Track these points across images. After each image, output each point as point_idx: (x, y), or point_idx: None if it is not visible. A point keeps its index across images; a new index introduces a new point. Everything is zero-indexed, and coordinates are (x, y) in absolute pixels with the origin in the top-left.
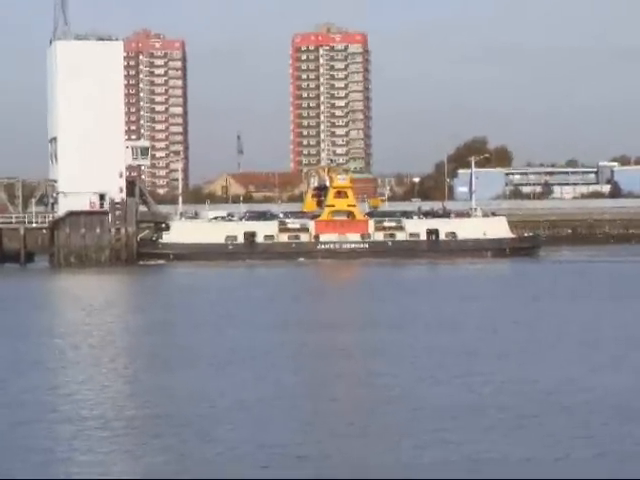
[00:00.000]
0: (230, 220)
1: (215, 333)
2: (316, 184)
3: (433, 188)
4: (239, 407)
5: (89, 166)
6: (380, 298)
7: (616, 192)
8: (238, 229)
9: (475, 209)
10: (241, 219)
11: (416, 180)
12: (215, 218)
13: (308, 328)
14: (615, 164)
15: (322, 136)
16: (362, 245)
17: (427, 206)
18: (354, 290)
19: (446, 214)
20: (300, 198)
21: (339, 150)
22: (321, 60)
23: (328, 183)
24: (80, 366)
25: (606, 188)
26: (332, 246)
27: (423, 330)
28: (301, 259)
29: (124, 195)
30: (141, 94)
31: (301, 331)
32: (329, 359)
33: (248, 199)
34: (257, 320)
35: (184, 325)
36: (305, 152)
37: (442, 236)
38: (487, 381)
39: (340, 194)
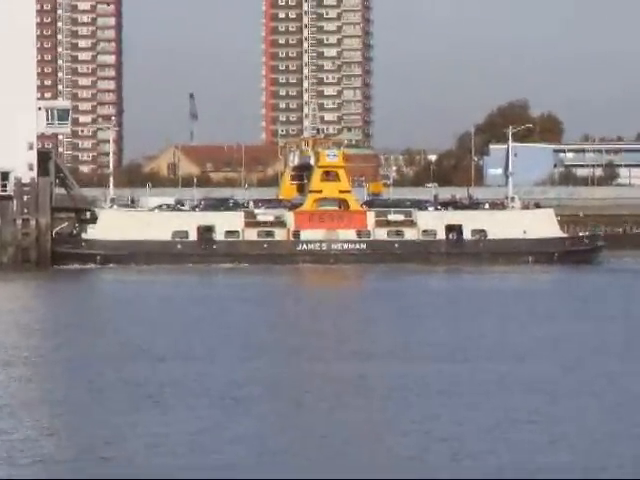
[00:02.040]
0: (179, 210)
1: (149, 370)
2: (296, 162)
3: (455, 169)
4: None
5: None
6: (395, 321)
7: None
8: (190, 222)
9: (512, 198)
10: (194, 209)
11: (432, 158)
12: (159, 207)
13: (294, 369)
14: None
15: (305, 97)
16: (358, 246)
17: (446, 193)
18: (359, 307)
19: (473, 205)
20: (274, 181)
21: (328, 116)
22: None
23: (313, 161)
24: None
25: None
26: (317, 247)
27: (489, 360)
28: (275, 264)
29: (35, 174)
30: (59, 37)
31: (293, 385)
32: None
33: (204, 181)
34: (217, 357)
35: (110, 358)
36: (281, 118)
37: (467, 235)
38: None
39: (329, 176)
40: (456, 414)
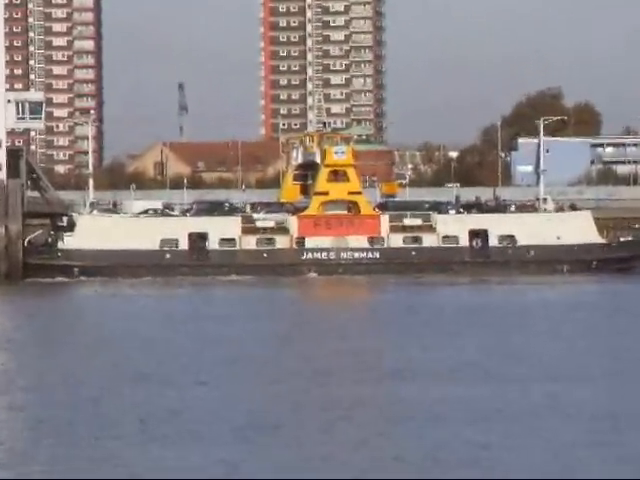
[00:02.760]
0: (168, 215)
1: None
2: (300, 160)
3: (479, 167)
4: None
5: None
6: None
7: None
8: (180, 229)
9: (545, 199)
10: (185, 213)
11: (453, 155)
12: (145, 212)
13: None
14: None
15: (309, 87)
16: (370, 254)
17: (470, 194)
18: (382, 324)
19: (500, 207)
20: (275, 182)
21: (336, 108)
22: None
23: (318, 158)
24: None
25: None
26: (324, 255)
27: (540, 382)
28: (277, 275)
29: (3, 175)
30: (30, 20)
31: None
32: None
33: (195, 183)
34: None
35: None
36: (283, 111)
37: (493, 241)
38: None
39: (337, 176)
40: (510, 441)
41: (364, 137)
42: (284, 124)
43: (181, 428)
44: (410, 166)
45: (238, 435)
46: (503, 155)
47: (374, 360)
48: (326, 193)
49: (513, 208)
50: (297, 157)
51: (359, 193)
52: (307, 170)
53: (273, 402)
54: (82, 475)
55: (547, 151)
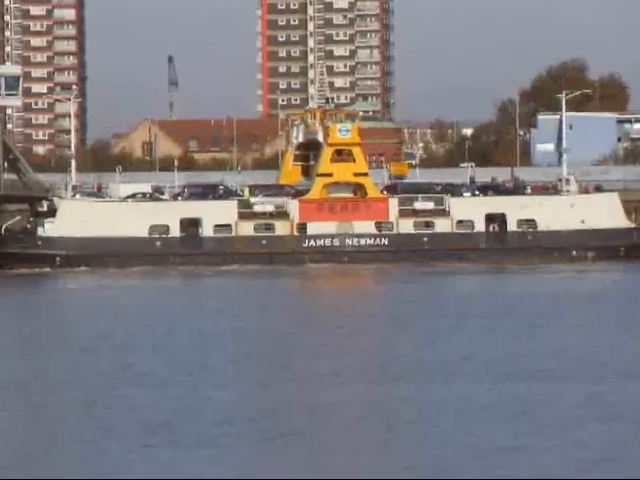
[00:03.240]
0: (158, 199)
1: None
2: (301, 139)
3: (495, 145)
4: None
5: None
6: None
7: None
8: (171, 215)
9: (567, 180)
10: (176, 197)
11: (467, 132)
12: (133, 196)
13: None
14: None
15: (310, 59)
16: (378, 241)
17: (485, 175)
18: (402, 318)
19: (518, 189)
20: (274, 163)
21: (339, 82)
22: None
23: (321, 137)
24: None
25: None
26: (328, 242)
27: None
28: (277, 265)
29: None
30: None
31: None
32: None
33: (187, 164)
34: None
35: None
36: (282, 85)
37: (512, 225)
38: None
39: (341, 155)
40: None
41: (370, 114)
42: (283, 100)
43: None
44: (420, 145)
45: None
46: (522, 132)
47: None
48: (329, 175)
49: (529, 190)
50: (298, 136)
51: (365, 174)
52: (309, 150)
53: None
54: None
55: (570, 128)
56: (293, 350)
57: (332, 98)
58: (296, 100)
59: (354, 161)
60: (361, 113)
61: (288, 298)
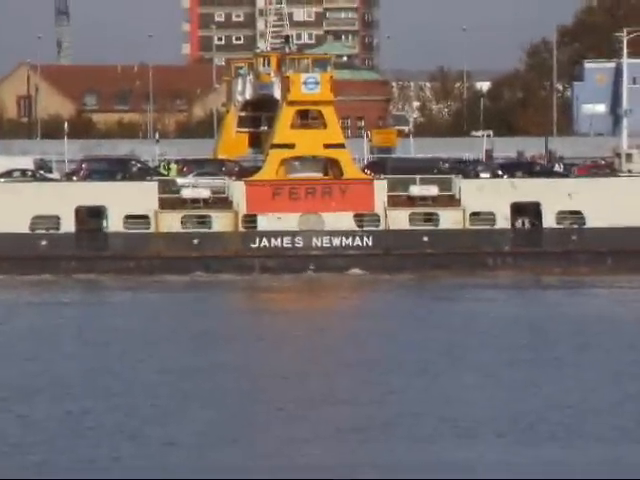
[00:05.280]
0: (43, 179)
1: None
2: (248, 94)
3: (522, 106)
4: None
5: None
6: None
7: None
8: (63, 201)
9: (629, 156)
10: (70, 177)
11: (482, 86)
12: (8, 174)
13: None
14: None
15: None
16: (359, 241)
17: (507, 147)
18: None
19: (555, 168)
20: (205, 128)
21: (300, 14)
22: None
23: (277, 92)
24: None
25: None
26: (287, 243)
27: None
28: (214, 273)
29: None
30: None
31: None
32: None
33: (82, 128)
34: None
35: None
36: (219, 18)
37: (548, 220)
38: None
39: (307, 119)
40: None
41: (345, 59)
42: (220, 38)
43: None
44: (416, 105)
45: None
46: (560, 87)
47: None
48: (290, 146)
49: (583, 169)
50: (244, 90)
51: (341, 146)
52: (259, 110)
53: None
54: None
55: (633, 81)
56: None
57: (292, 38)
58: (239, 39)
59: (325, 127)
60: (332, 59)
61: (223, 331)
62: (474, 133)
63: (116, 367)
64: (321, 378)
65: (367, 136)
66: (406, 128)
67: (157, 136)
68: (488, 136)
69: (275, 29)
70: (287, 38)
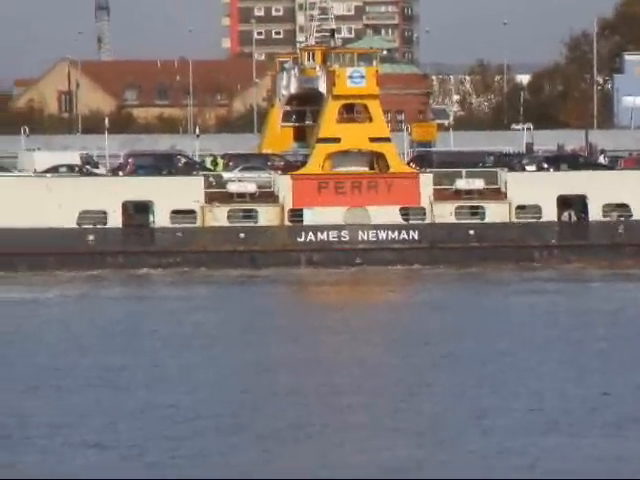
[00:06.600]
0: (87, 174)
1: None
2: (294, 89)
3: (563, 99)
4: None
5: None
6: None
7: None
8: (110, 197)
9: None
10: (116, 172)
11: (522, 80)
12: (55, 169)
13: None
14: None
15: None
16: (405, 234)
17: (547, 140)
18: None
19: (598, 161)
20: (246, 122)
21: (340, 8)
22: None
23: (323, 87)
24: None
25: None
26: (334, 237)
27: None
28: (260, 268)
29: None
30: None
31: None
32: None
33: (123, 123)
34: None
35: None
36: (258, 12)
37: (594, 214)
38: None
39: (353, 113)
40: None
41: (384, 53)
42: (260, 32)
43: None
44: (456, 98)
45: None
46: (601, 80)
47: None
48: (336, 140)
49: (629, 162)
50: (289, 84)
51: (387, 140)
52: (304, 104)
53: None
54: None
55: None
56: None
57: (333, 31)
58: (278, 33)
59: (370, 120)
60: (376, 53)
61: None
62: (514, 126)
63: (220, 362)
64: (441, 369)
65: (407, 130)
66: (446, 122)
67: (197, 131)
68: (528, 129)
69: (319, 23)
70: (332, 32)
